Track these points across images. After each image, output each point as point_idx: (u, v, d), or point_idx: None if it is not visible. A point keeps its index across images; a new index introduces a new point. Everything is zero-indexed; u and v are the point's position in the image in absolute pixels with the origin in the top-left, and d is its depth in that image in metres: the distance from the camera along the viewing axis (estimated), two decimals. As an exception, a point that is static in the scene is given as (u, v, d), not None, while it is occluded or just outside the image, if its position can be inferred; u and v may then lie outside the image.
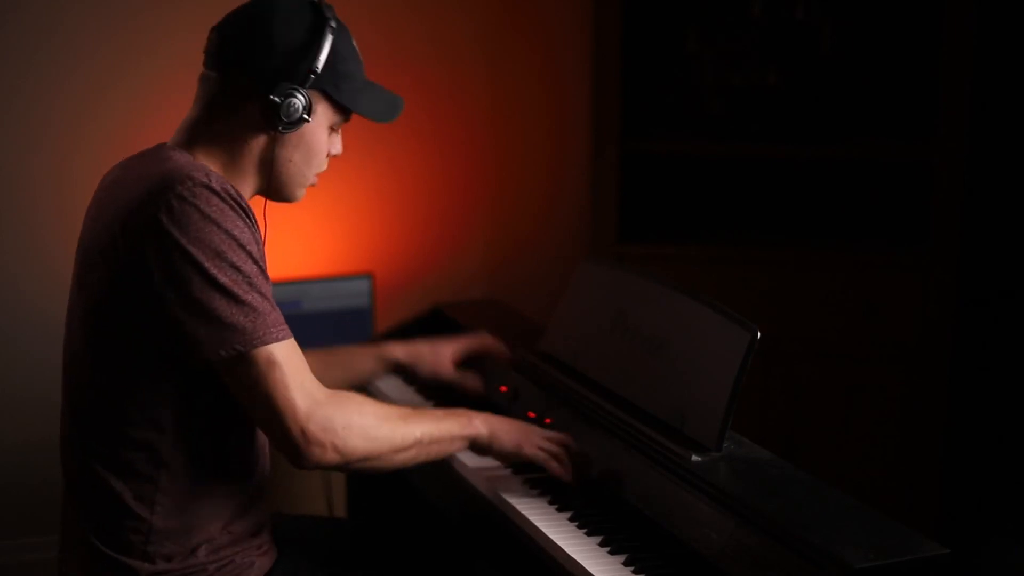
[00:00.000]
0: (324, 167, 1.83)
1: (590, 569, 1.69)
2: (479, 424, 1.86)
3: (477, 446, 1.88)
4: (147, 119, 3.05)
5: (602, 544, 1.76)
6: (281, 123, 1.71)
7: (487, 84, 3.39)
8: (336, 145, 1.84)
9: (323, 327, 3.11)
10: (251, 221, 1.66)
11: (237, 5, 3.18)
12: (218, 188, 1.62)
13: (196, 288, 1.58)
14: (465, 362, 2.32)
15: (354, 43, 1.80)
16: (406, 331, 2.59)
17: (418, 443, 1.76)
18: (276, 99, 1.69)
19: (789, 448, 3.10)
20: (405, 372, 2.29)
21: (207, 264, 1.58)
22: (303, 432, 1.62)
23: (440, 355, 2.27)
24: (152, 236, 1.59)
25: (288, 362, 1.62)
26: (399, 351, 2.26)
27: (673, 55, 3.39)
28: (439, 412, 1.85)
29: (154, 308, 1.61)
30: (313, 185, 1.84)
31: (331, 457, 1.65)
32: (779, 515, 1.59)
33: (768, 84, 3.29)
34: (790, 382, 3.18)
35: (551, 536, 1.78)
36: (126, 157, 1.83)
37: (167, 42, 3.06)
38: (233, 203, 1.63)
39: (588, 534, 1.79)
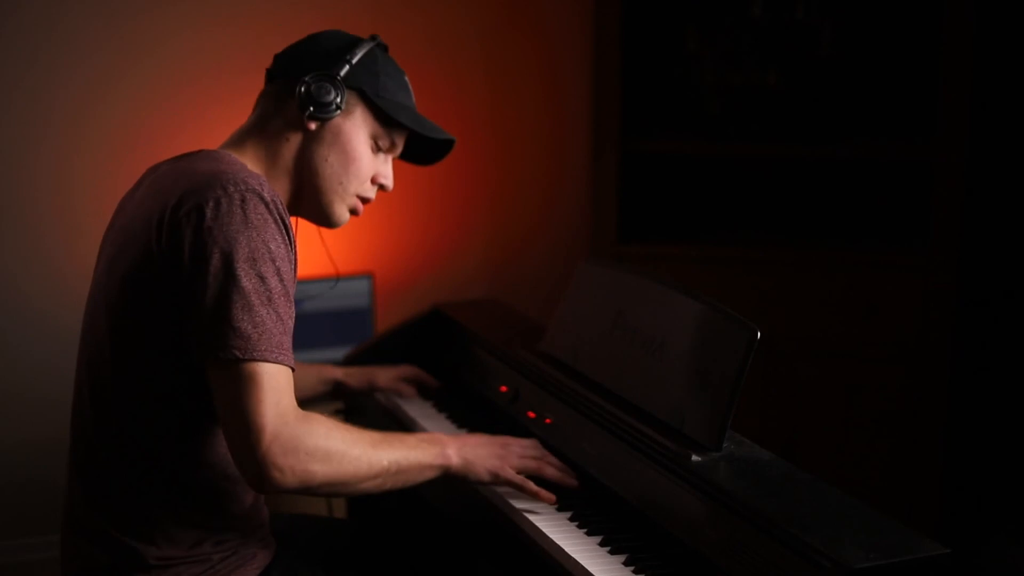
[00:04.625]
0: (368, 190, 1.86)
1: (590, 569, 1.69)
2: (451, 454, 1.81)
3: (450, 476, 1.82)
4: (147, 119, 3.05)
5: (602, 544, 1.76)
6: (313, 105, 1.75)
7: (487, 84, 3.39)
8: (384, 171, 1.87)
9: (323, 327, 3.11)
10: (291, 241, 1.66)
11: (237, 5, 3.18)
12: (268, 198, 1.63)
13: (218, 283, 1.58)
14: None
15: (406, 79, 1.88)
16: (406, 331, 2.59)
17: (385, 472, 1.71)
18: (307, 80, 1.75)
19: (789, 448, 3.10)
20: (342, 391, 2.37)
21: (236, 264, 1.58)
22: (265, 455, 1.57)
23: (374, 373, 2.37)
24: (192, 224, 1.60)
25: (272, 383, 1.58)
26: (338, 372, 2.36)
27: (673, 55, 3.39)
28: (412, 439, 1.79)
29: (176, 295, 1.61)
30: (355, 213, 1.85)
31: (290, 481, 1.60)
32: (779, 515, 1.58)
33: (768, 84, 3.29)
34: (790, 382, 3.18)
35: (551, 536, 1.78)
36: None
37: (167, 42, 3.06)
38: (278, 216, 1.64)
39: (588, 534, 1.79)
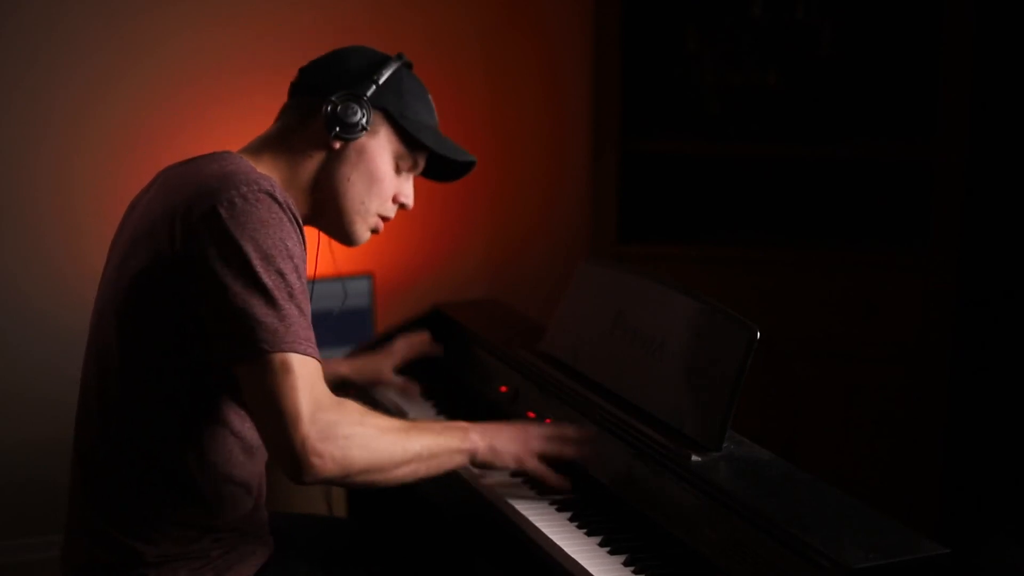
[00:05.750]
0: (389, 209, 1.87)
1: (590, 569, 1.69)
2: (476, 438, 1.82)
3: (477, 461, 1.83)
4: (147, 119, 3.05)
5: (602, 544, 1.76)
6: (340, 125, 1.75)
7: (487, 84, 3.39)
8: (405, 190, 1.89)
9: (323, 327, 3.11)
10: (303, 239, 1.67)
11: (237, 5, 3.18)
12: (280, 198, 1.64)
13: (239, 283, 1.58)
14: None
15: (430, 97, 1.89)
16: (406, 331, 2.59)
17: (418, 457, 1.72)
18: (334, 100, 1.75)
19: (789, 448, 3.10)
20: (351, 386, 2.38)
21: (255, 262, 1.58)
22: (304, 442, 1.56)
23: (379, 366, 2.39)
24: (207, 226, 1.60)
25: (304, 371, 1.58)
26: (344, 367, 2.37)
27: (673, 55, 3.39)
28: (438, 426, 1.81)
29: (191, 296, 1.61)
30: (376, 231, 1.88)
31: (330, 468, 1.59)
32: (779, 515, 1.59)
33: (768, 84, 3.29)
34: (790, 382, 3.18)
35: (551, 536, 1.78)
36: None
37: (167, 42, 3.06)
38: (291, 215, 1.64)
39: (588, 534, 1.79)
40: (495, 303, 2.84)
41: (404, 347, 2.44)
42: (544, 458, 1.90)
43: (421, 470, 1.74)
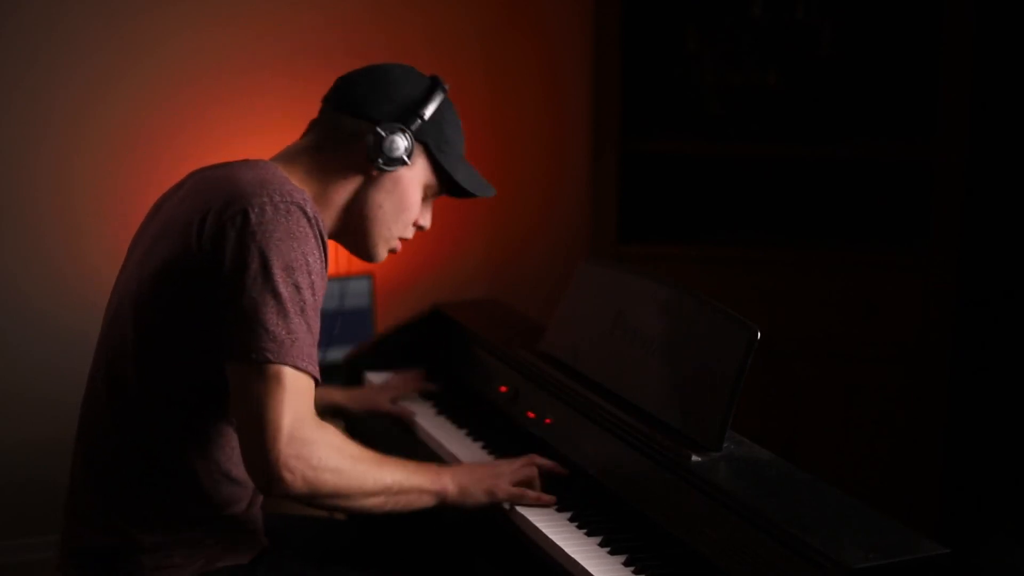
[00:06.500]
0: (409, 232, 1.89)
1: (590, 569, 1.69)
2: (447, 481, 1.82)
3: (448, 504, 1.82)
4: (147, 119, 3.05)
5: (602, 544, 1.76)
6: (382, 157, 1.77)
7: (487, 85, 3.39)
8: (426, 215, 1.91)
9: (323, 327, 3.11)
10: (326, 258, 1.69)
11: (237, 5, 3.17)
12: (310, 214, 1.65)
13: (256, 287, 1.59)
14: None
15: (459, 120, 1.90)
16: (406, 331, 2.59)
17: (387, 490, 1.73)
18: (382, 132, 1.76)
19: (789, 448, 3.10)
20: (342, 413, 2.37)
21: (275, 271, 1.60)
22: (278, 457, 1.58)
23: (375, 397, 2.38)
24: (235, 227, 1.61)
25: (295, 388, 1.60)
26: (338, 396, 2.37)
27: (673, 55, 3.39)
28: (412, 464, 1.81)
29: (211, 296, 1.62)
30: (394, 251, 1.88)
31: (299, 486, 1.61)
32: (779, 515, 1.58)
33: (768, 84, 3.29)
34: (790, 382, 3.18)
35: (551, 536, 1.78)
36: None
37: (167, 42, 3.06)
38: (318, 233, 1.66)
39: (588, 534, 1.79)
40: (495, 303, 2.84)
41: (399, 384, 2.43)
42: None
43: (389, 504, 1.75)
